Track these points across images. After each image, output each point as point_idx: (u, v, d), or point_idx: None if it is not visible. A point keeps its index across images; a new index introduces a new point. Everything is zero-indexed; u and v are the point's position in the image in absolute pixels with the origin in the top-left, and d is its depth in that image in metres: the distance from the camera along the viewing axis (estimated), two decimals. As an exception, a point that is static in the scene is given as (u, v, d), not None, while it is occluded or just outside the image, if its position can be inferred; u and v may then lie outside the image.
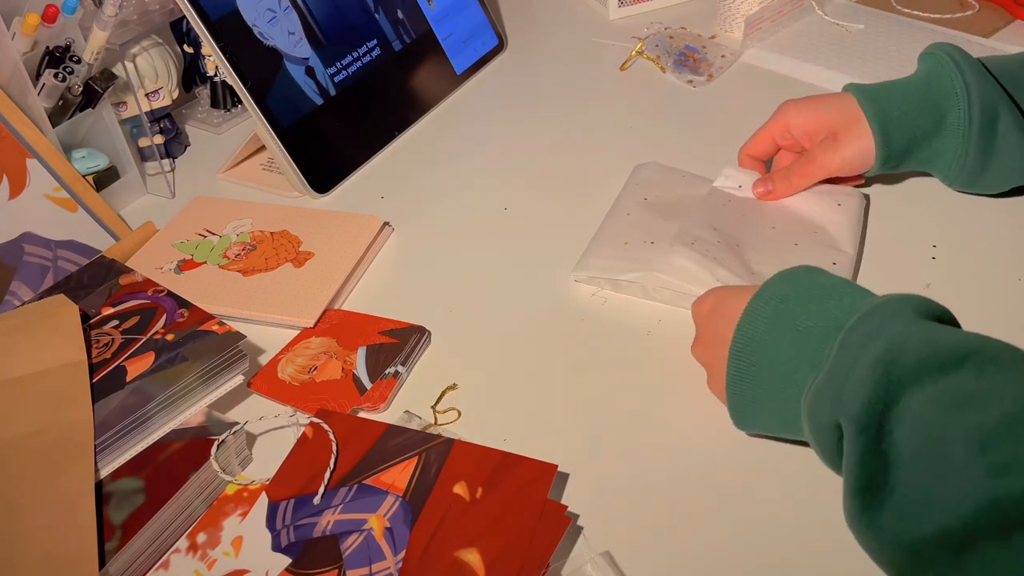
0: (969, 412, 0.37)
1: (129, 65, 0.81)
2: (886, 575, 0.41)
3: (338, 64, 0.85)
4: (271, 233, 0.73)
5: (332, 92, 0.84)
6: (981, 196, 0.70)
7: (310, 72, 0.83)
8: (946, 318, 0.45)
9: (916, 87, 0.66)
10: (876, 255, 0.66)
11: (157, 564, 0.49)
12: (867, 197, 0.71)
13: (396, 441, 0.53)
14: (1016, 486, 0.34)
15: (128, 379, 0.55)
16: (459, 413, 0.57)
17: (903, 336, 0.41)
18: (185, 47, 0.92)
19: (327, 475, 0.51)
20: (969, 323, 0.45)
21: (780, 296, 0.48)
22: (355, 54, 0.87)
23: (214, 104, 0.95)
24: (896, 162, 0.67)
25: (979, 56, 0.66)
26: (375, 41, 0.89)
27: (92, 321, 0.61)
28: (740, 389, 0.49)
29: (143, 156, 0.85)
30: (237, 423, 0.54)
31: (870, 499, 0.40)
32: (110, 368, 0.56)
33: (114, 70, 0.77)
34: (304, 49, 0.83)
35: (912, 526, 0.38)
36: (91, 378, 0.55)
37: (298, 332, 0.65)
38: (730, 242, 0.64)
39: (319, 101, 0.83)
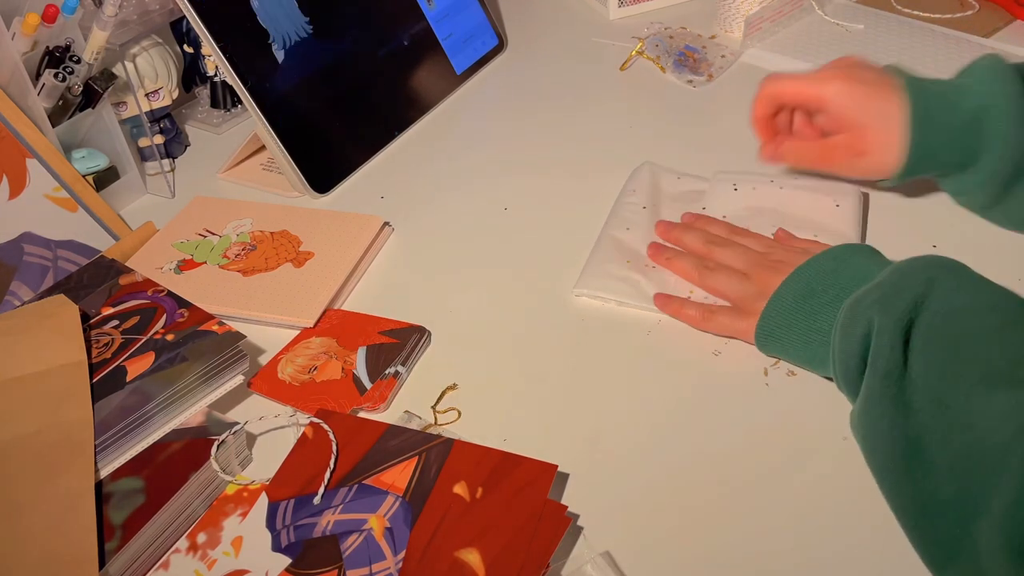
0: (981, 345, 0.45)
1: (129, 65, 0.81)
2: (874, 465, 0.48)
3: (338, 64, 0.85)
4: (271, 233, 0.73)
5: (332, 92, 0.84)
6: (981, 196, 0.70)
7: (310, 72, 0.83)
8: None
9: (964, 116, 0.62)
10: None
11: (157, 564, 0.49)
12: (866, 195, 0.71)
13: (396, 441, 0.53)
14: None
15: (128, 379, 0.55)
16: (459, 413, 0.57)
17: (948, 275, 0.50)
18: (185, 47, 0.92)
19: (327, 475, 0.51)
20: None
21: (841, 258, 0.56)
22: (355, 54, 0.87)
23: (214, 104, 0.95)
24: (911, 179, 0.66)
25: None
26: (375, 41, 0.89)
27: (92, 321, 0.61)
28: (781, 314, 0.56)
29: (143, 156, 0.85)
30: (237, 423, 0.54)
31: (890, 383, 0.46)
32: (110, 368, 0.56)
33: (114, 70, 0.77)
34: (304, 48, 0.83)
35: (915, 422, 0.45)
36: (91, 378, 0.55)
37: (298, 332, 0.65)
38: None
39: (319, 101, 0.83)
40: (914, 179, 0.66)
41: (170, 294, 0.63)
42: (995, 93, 0.61)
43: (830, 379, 0.55)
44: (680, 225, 0.68)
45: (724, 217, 0.69)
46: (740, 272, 0.61)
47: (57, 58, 0.73)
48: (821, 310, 0.54)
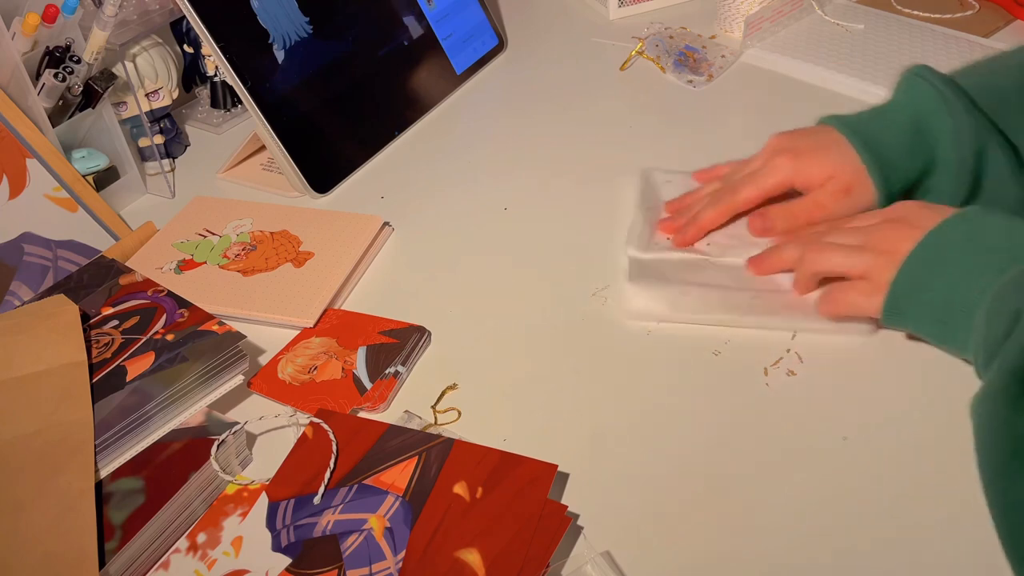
0: None
1: (129, 65, 0.81)
2: (991, 458, 0.44)
3: (338, 64, 0.85)
4: (271, 233, 0.73)
5: (332, 92, 0.84)
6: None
7: (310, 72, 0.83)
8: None
9: (904, 127, 0.63)
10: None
11: (157, 564, 0.49)
12: None
13: (396, 441, 0.53)
14: None
15: (128, 379, 0.55)
16: (459, 413, 0.57)
17: None
18: (185, 47, 0.92)
19: (327, 475, 0.51)
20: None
21: (974, 220, 0.53)
22: (355, 54, 0.87)
23: (214, 104, 0.95)
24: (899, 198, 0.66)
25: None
26: (375, 41, 0.89)
27: (92, 321, 0.61)
28: (910, 294, 0.53)
29: (143, 156, 0.85)
30: (237, 423, 0.54)
31: (1013, 381, 0.43)
32: (110, 368, 0.56)
33: (114, 70, 0.77)
34: (304, 48, 0.83)
35: None
36: (91, 378, 0.55)
37: (298, 332, 0.65)
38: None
39: (319, 101, 0.83)
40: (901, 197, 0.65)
41: (170, 294, 0.63)
42: (919, 90, 0.63)
43: (968, 361, 0.53)
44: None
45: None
46: (855, 247, 0.57)
47: (57, 58, 0.73)
48: (955, 286, 0.50)
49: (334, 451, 0.52)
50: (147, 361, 0.56)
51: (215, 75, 0.92)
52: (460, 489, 0.49)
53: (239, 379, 0.57)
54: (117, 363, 0.57)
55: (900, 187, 0.64)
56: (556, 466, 0.49)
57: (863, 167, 0.63)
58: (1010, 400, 0.43)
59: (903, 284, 0.53)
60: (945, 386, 0.56)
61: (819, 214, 0.64)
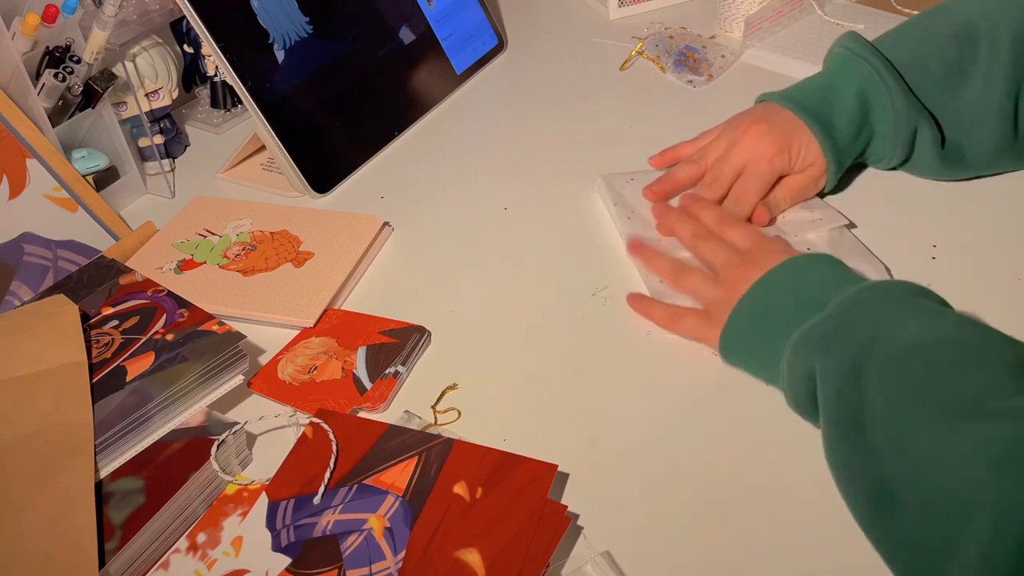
0: (939, 379, 0.43)
1: (129, 65, 0.81)
2: (847, 503, 0.47)
3: (338, 64, 0.85)
4: (271, 233, 0.73)
5: (332, 92, 0.84)
6: (981, 197, 0.70)
7: (310, 71, 0.83)
8: (938, 300, 0.51)
9: (853, 109, 0.68)
10: (876, 255, 0.66)
11: (157, 564, 0.49)
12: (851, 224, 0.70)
13: (396, 441, 0.53)
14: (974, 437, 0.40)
15: (128, 379, 0.55)
16: (459, 413, 0.57)
17: (895, 308, 0.48)
18: (185, 47, 0.92)
19: (327, 475, 0.51)
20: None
21: (800, 270, 0.55)
22: (355, 54, 0.87)
23: (214, 104, 0.95)
24: (845, 165, 0.70)
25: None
26: (375, 41, 0.89)
27: (92, 321, 0.61)
28: (738, 332, 0.56)
29: (143, 156, 0.85)
30: (237, 423, 0.54)
31: (846, 430, 0.46)
32: (110, 368, 0.56)
33: (114, 70, 0.77)
34: (304, 48, 0.83)
35: (877, 463, 0.44)
36: (91, 378, 0.55)
37: (298, 332, 0.65)
38: None
39: (319, 101, 0.83)
40: (846, 165, 0.70)
41: (170, 294, 0.63)
42: (859, 65, 0.68)
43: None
44: (675, 211, 0.67)
45: None
46: (713, 275, 0.60)
47: (57, 58, 0.73)
48: (773, 335, 0.53)
49: (334, 451, 0.52)
50: (147, 361, 0.56)
51: (215, 75, 0.92)
52: (460, 489, 0.49)
53: (239, 379, 0.57)
54: (117, 363, 0.57)
55: (848, 164, 0.70)
56: (556, 466, 0.49)
57: (820, 152, 0.67)
58: (853, 449, 0.46)
59: (732, 329, 0.56)
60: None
61: (801, 196, 0.70)
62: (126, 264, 0.69)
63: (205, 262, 0.71)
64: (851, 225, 0.69)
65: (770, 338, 0.53)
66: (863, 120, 0.68)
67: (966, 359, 0.44)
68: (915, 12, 0.96)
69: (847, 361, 0.47)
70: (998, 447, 0.39)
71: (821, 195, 0.71)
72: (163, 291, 0.63)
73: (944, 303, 0.51)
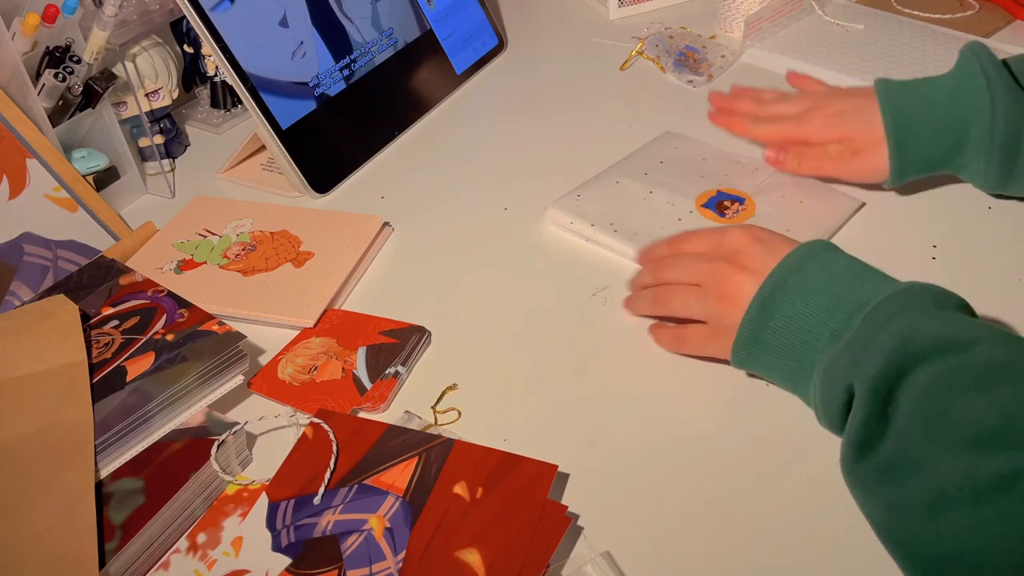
0: (968, 393, 0.41)
1: (129, 65, 0.81)
2: (868, 520, 0.45)
3: (338, 64, 0.85)
4: (271, 233, 0.73)
5: (332, 92, 0.84)
6: (981, 197, 0.70)
7: (310, 72, 0.83)
8: (961, 306, 0.48)
9: (942, 102, 0.64)
10: (876, 255, 0.66)
11: (157, 564, 0.49)
12: (863, 204, 0.70)
13: (396, 441, 0.53)
14: (992, 466, 0.39)
15: (128, 379, 0.55)
16: (459, 413, 0.57)
17: (922, 318, 0.46)
18: (185, 47, 0.92)
19: (327, 475, 0.51)
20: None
21: (808, 272, 0.52)
22: (355, 54, 0.87)
23: (214, 104, 0.95)
24: (914, 176, 0.68)
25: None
26: (375, 41, 0.89)
27: (92, 321, 0.61)
28: (753, 347, 0.53)
29: (143, 156, 0.85)
30: (237, 423, 0.54)
31: (865, 453, 0.45)
32: (110, 368, 0.56)
33: (114, 70, 0.77)
34: (304, 49, 0.83)
35: (895, 483, 0.43)
36: (91, 378, 0.55)
37: (298, 332, 0.65)
38: None
39: (319, 101, 0.83)
40: (921, 175, 0.68)
41: (170, 294, 0.62)
42: (967, 67, 0.64)
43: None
44: (639, 276, 0.64)
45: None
46: (694, 285, 0.57)
47: (57, 58, 0.73)
48: (794, 341, 0.51)
49: (334, 451, 0.52)
50: (147, 361, 0.56)
51: (215, 75, 0.92)
52: (460, 489, 0.49)
53: (239, 379, 0.57)
54: (117, 363, 0.57)
55: (919, 162, 0.66)
56: (556, 466, 0.49)
57: (883, 136, 0.65)
58: (871, 473, 0.44)
59: (745, 336, 0.53)
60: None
61: (827, 167, 0.70)
62: (126, 264, 0.69)
63: (205, 262, 0.71)
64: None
65: (788, 347, 0.51)
66: (950, 115, 0.64)
67: (994, 377, 0.42)
68: (915, 12, 0.97)
69: (876, 382, 0.44)
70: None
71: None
72: (163, 291, 0.63)
73: (963, 306, 0.48)
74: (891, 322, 0.46)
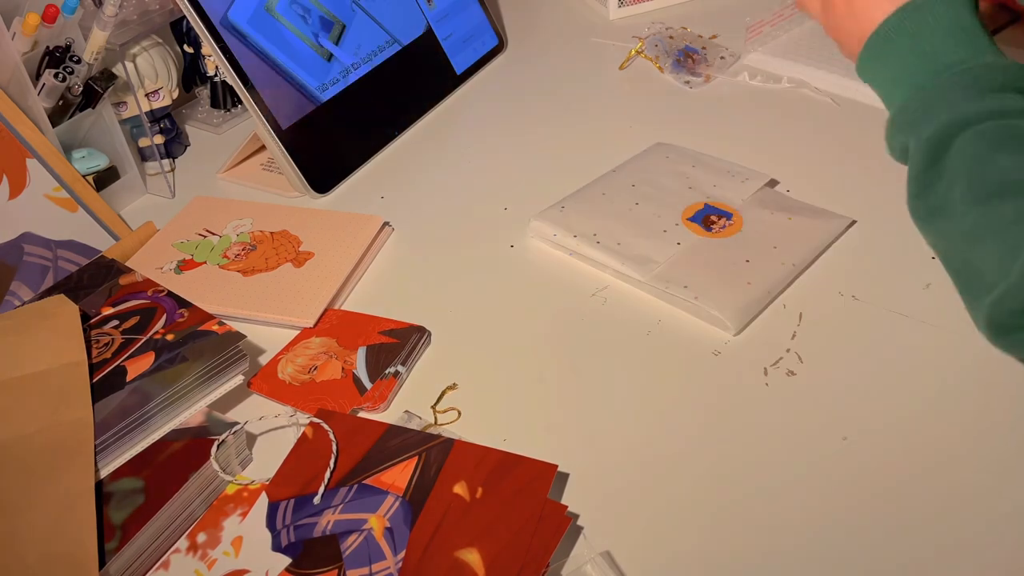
0: (1006, 149, 0.45)
1: (129, 65, 0.81)
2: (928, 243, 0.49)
3: (338, 64, 0.85)
4: (271, 233, 0.73)
5: (332, 92, 0.84)
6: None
7: (310, 72, 0.83)
8: None
9: None
10: (867, 274, 0.66)
11: (157, 564, 0.49)
12: (854, 221, 0.70)
13: (396, 441, 0.53)
14: (1009, 206, 0.43)
15: (128, 379, 0.55)
16: (459, 413, 0.57)
17: (983, 98, 0.48)
18: (185, 47, 0.92)
19: (327, 475, 0.51)
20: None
21: (917, 22, 0.52)
22: (355, 54, 0.87)
23: (214, 104, 0.95)
24: None
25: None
26: (375, 41, 0.89)
27: (92, 321, 0.61)
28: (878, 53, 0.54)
29: (143, 156, 0.85)
30: (237, 423, 0.54)
31: (920, 196, 0.49)
32: (110, 368, 0.56)
33: (114, 70, 0.77)
34: (304, 49, 0.83)
35: (941, 222, 0.47)
36: (91, 378, 0.55)
37: (298, 332, 0.65)
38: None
39: (319, 101, 0.83)
40: None
41: (170, 294, 0.62)
42: None
43: None
44: None
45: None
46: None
47: (57, 58, 0.73)
48: (902, 72, 0.53)
49: (334, 451, 0.52)
50: (147, 361, 0.56)
51: (215, 75, 0.92)
52: (460, 489, 0.49)
53: (239, 379, 0.57)
54: (117, 363, 0.57)
55: None
56: (556, 466, 0.49)
57: None
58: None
59: (868, 53, 0.55)
60: (945, 386, 0.56)
61: None
62: (126, 264, 0.69)
63: (205, 262, 0.71)
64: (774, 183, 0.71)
65: (895, 78, 0.53)
66: None
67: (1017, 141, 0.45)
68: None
69: (934, 137, 0.48)
70: None
71: None
72: (163, 291, 0.63)
73: None
74: (958, 93, 0.48)
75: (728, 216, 0.70)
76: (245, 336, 0.58)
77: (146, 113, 0.83)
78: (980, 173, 0.46)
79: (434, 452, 0.51)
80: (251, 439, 0.57)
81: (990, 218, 0.44)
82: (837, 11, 0.57)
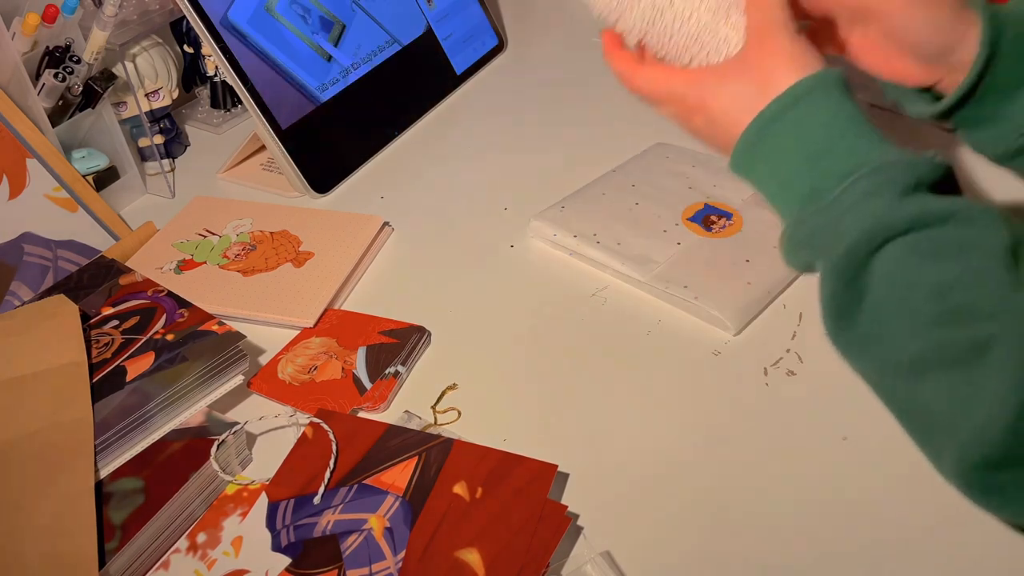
0: (938, 263, 0.40)
1: (129, 65, 0.81)
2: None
3: (338, 64, 0.85)
4: (271, 233, 0.73)
5: (332, 92, 0.84)
6: (980, 195, 0.70)
7: (310, 72, 0.83)
8: (945, 176, 0.43)
9: None
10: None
11: (157, 564, 0.49)
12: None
13: (396, 441, 0.53)
14: (958, 334, 0.38)
15: (128, 379, 0.55)
16: (459, 413, 0.57)
17: (898, 203, 0.42)
18: (185, 47, 0.92)
19: (327, 475, 0.51)
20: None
21: (795, 120, 0.46)
22: (355, 54, 0.87)
23: (214, 104, 0.95)
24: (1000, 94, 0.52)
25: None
26: (375, 41, 0.89)
27: (92, 321, 0.61)
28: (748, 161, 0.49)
29: (143, 156, 0.85)
30: (237, 423, 0.54)
31: (842, 325, 0.43)
32: (110, 368, 0.56)
33: (114, 70, 0.77)
34: (304, 49, 0.83)
35: (874, 352, 0.42)
36: (91, 378, 0.55)
37: (298, 332, 0.65)
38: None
39: (319, 101, 0.83)
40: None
41: (170, 294, 0.63)
42: None
43: None
44: None
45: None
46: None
47: (57, 58, 0.73)
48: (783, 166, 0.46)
49: (334, 451, 0.52)
50: (147, 361, 0.56)
51: (215, 75, 0.92)
52: (460, 489, 0.49)
53: (239, 379, 0.57)
54: (117, 363, 0.57)
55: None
56: (556, 466, 0.49)
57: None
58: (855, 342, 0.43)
59: (740, 152, 0.49)
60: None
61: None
62: (126, 264, 0.69)
63: (205, 262, 0.71)
64: None
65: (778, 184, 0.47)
66: None
67: (942, 256, 0.40)
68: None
69: (843, 261, 0.42)
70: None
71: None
72: (163, 291, 0.63)
73: (947, 176, 0.43)
74: (867, 201, 0.42)
75: (728, 216, 0.70)
76: (245, 336, 0.58)
77: (146, 113, 0.83)
78: (914, 295, 0.40)
79: (434, 452, 0.51)
80: (251, 439, 0.57)
81: (941, 347, 0.39)
82: (695, 123, 0.54)
